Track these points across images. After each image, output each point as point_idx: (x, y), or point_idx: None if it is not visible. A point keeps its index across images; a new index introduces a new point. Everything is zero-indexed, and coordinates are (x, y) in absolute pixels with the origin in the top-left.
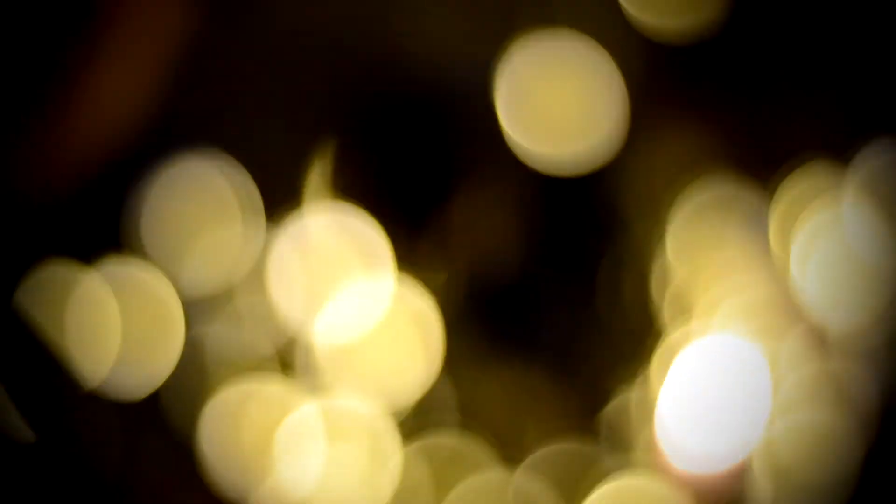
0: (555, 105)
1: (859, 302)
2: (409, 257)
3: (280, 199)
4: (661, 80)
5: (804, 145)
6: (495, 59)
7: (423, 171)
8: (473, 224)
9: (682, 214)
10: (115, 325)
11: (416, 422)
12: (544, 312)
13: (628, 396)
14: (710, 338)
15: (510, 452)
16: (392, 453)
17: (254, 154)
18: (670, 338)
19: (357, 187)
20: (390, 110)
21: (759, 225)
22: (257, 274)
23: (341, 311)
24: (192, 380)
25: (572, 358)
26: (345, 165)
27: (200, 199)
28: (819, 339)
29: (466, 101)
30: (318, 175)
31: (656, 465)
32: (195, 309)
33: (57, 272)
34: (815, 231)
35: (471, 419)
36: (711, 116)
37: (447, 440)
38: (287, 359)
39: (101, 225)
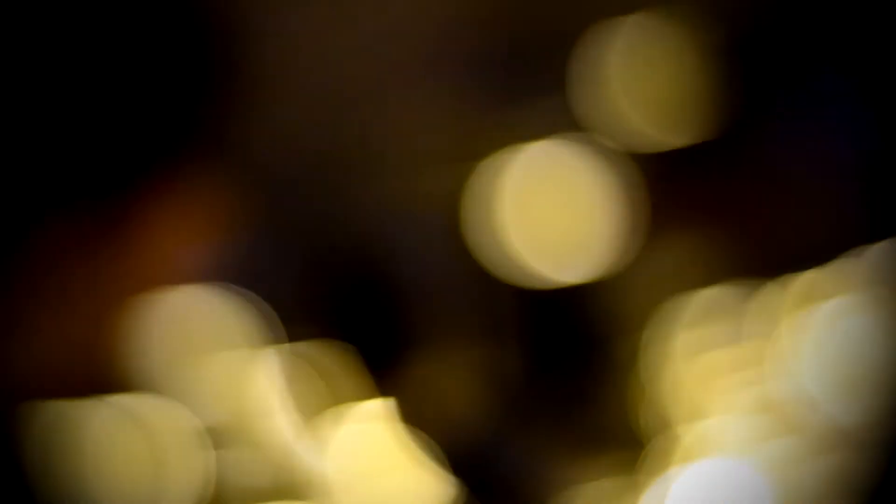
0: (550, 217)
1: (861, 399)
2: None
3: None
4: (658, 188)
5: (806, 245)
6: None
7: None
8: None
9: (674, 323)
10: (129, 460)
11: None
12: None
13: None
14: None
15: None
16: None
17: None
18: (663, 450)
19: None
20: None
21: (753, 328)
22: (264, 401)
23: (343, 436)
24: None
25: (560, 473)
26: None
27: (206, 328)
28: (821, 437)
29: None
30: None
31: None
32: (207, 437)
33: (66, 410)
34: (814, 330)
35: None
36: (710, 220)
37: None
38: (296, 483)
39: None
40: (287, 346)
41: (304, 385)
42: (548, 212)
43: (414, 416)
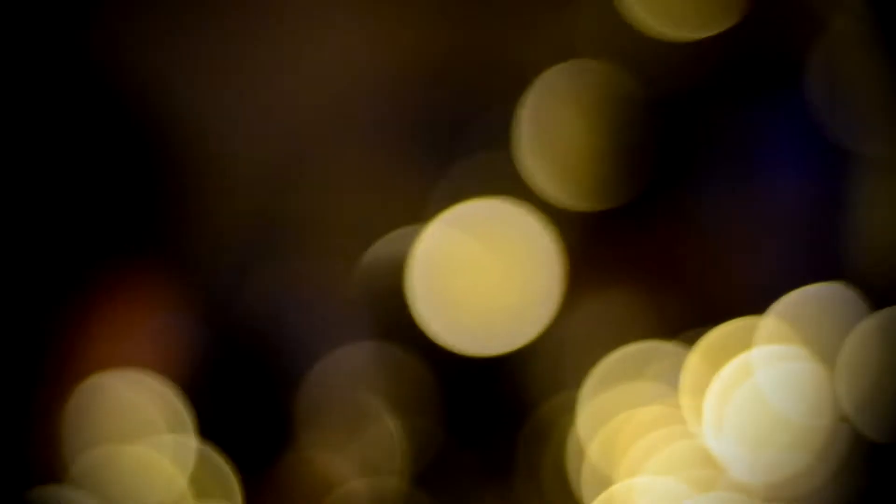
0: (483, 283)
1: (780, 454)
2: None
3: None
4: (588, 246)
5: (734, 297)
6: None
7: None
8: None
9: (606, 381)
10: None
11: None
12: None
13: None
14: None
15: None
16: None
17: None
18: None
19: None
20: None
21: (677, 383)
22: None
23: None
24: None
25: None
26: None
27: (129, 415)
28: (741, 493)
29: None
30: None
31: None
32: None
33: None
34: (735, 385)
35: None
36: (639, 276)
37: None
38: None
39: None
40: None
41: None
42: (480, 278)
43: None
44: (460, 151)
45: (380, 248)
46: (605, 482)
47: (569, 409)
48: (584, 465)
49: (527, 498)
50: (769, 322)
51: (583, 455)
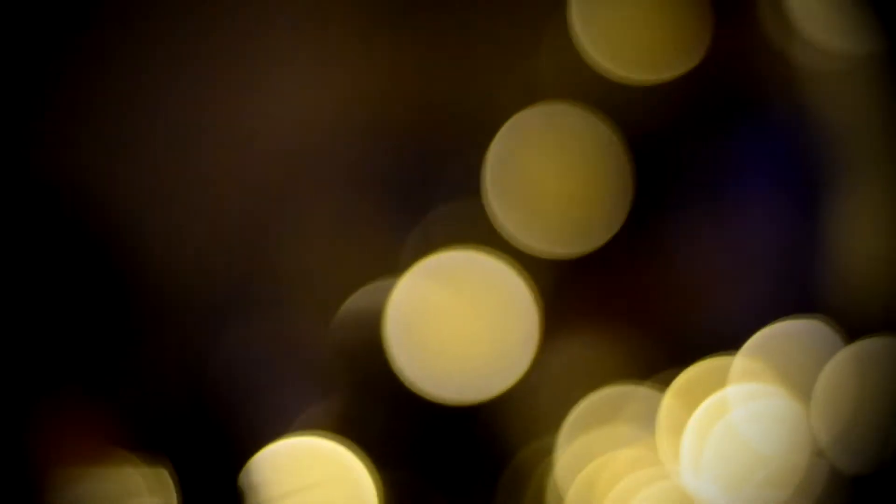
0: (462, 329)
1: (757, 491)
2: None
3: None
4: (563, 289)
5: (699, 340)
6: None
7: None
8: None
9: (578, 425)
10: None
11: None
12: None
13: None
14: None
15: None
16: None
17: None
18: None
19: None
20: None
21: (653, 425)
22: None
23: None
24: None
25: None
26: None
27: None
28: None
29: None
30: None
31: None
32: None
33: None
34: (710, 424)
35: None
36: (612, 318)
37: None
38: None
39: None
40: None
41: None
42: (456, 327)
43: None
44: (432, 201)
45: (355, 301)
46: None
47: (546, 455)
48: None
49: None
50: (743, 360)
51: (562, 501)
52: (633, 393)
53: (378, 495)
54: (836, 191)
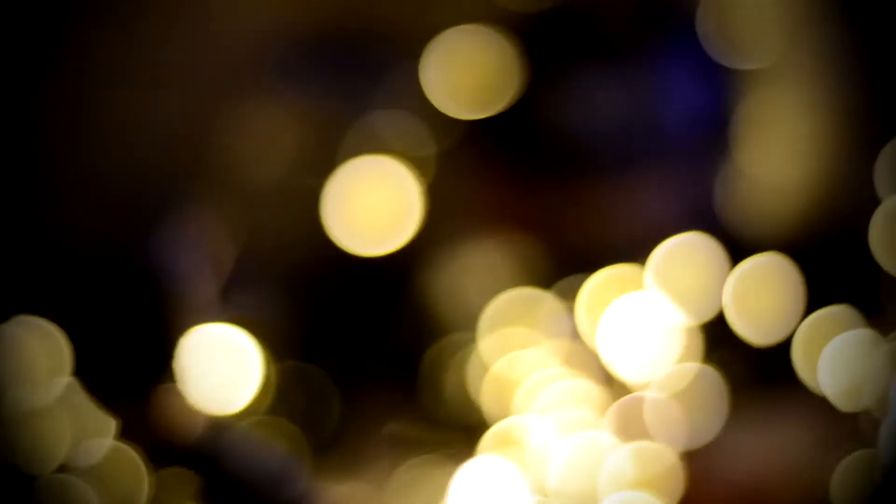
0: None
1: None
2: None
3: None
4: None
5: (613, 241)
6: None
7: None
8: None
9: (490, 323)
10: None
11: None
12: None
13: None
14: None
15: None
16: None
17: None
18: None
19: None
20: None
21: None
22: None
23: None
24: None
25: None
26: None
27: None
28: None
29: None
30: None
31: None
32: None
33: None
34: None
35: None
36: (522, 221)
37: None
38: None
39: None
40: None
41: None
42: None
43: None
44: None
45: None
46: (486, 419)
47: (460, 349)
48: (467, 404)
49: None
50: (641, 270)
51: (466, 394)
52: (539, 297)
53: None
54: (737, 120)
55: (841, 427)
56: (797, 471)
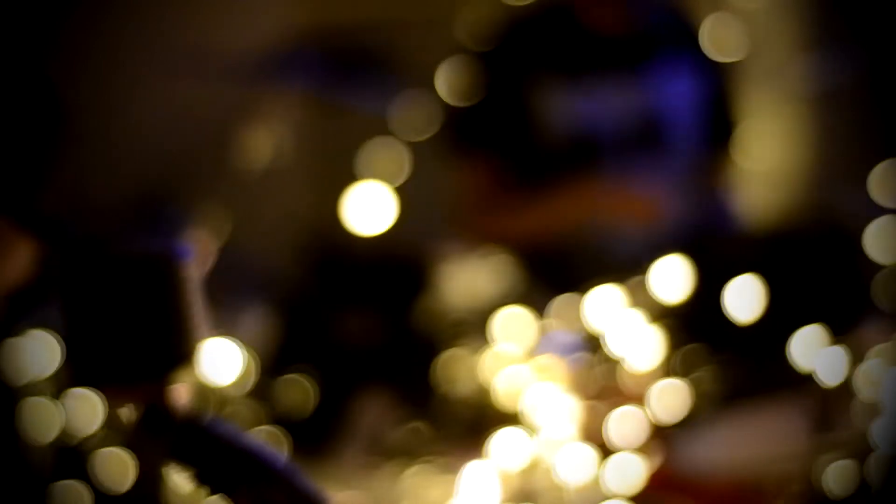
0: None
1: None
2: None
3: None
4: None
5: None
6: None
7: None
8: None
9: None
10: None
11: None
12: None
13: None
14: None
15: None
16: None
17: None
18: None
19: None
20: None
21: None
22: None
23: None
24: None
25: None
26: None
27: None
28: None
29: None
30: None
31: None
32: None
33: None
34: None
35: None
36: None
37: None
38: None
39: None
40: None
41: None
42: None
43: None
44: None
45: None
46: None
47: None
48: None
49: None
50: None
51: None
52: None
53: None
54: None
55: (834, 423)
56: (789, 467)
